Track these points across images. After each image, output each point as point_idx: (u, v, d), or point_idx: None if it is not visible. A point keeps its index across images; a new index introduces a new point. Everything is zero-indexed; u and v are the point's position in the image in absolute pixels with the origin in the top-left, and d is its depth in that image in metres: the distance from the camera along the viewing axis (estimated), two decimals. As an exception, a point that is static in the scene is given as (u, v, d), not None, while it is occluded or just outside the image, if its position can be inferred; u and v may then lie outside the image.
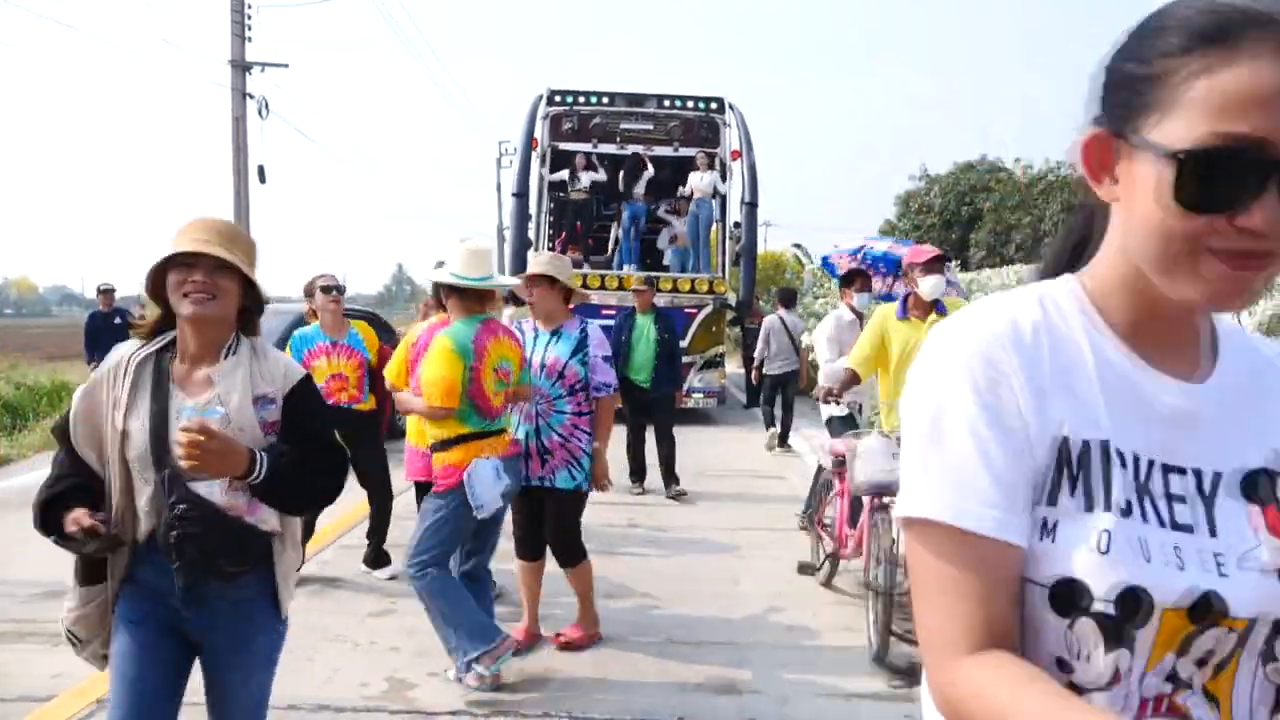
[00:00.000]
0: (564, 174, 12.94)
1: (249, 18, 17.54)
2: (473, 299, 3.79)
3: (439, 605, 3.65)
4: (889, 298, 7.09)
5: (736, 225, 12.99)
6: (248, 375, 2.09)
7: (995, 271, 15.24)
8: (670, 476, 7.66)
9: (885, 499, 4.24)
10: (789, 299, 11.16)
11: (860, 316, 6.00)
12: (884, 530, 4.19)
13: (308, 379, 2.22)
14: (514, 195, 12.68)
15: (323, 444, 2.21)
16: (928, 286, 4.55)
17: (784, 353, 10.52)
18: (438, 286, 3.98)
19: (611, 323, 11.50)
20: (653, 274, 11.69)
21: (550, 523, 4.16)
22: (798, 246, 23.77)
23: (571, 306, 4.27)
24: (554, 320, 4.18)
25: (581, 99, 13.05)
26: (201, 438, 1.86)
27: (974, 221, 22.82)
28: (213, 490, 2.02)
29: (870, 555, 4.26)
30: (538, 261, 4.21)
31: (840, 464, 4.83)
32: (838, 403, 4.86)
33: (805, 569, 5.22)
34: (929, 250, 4.68)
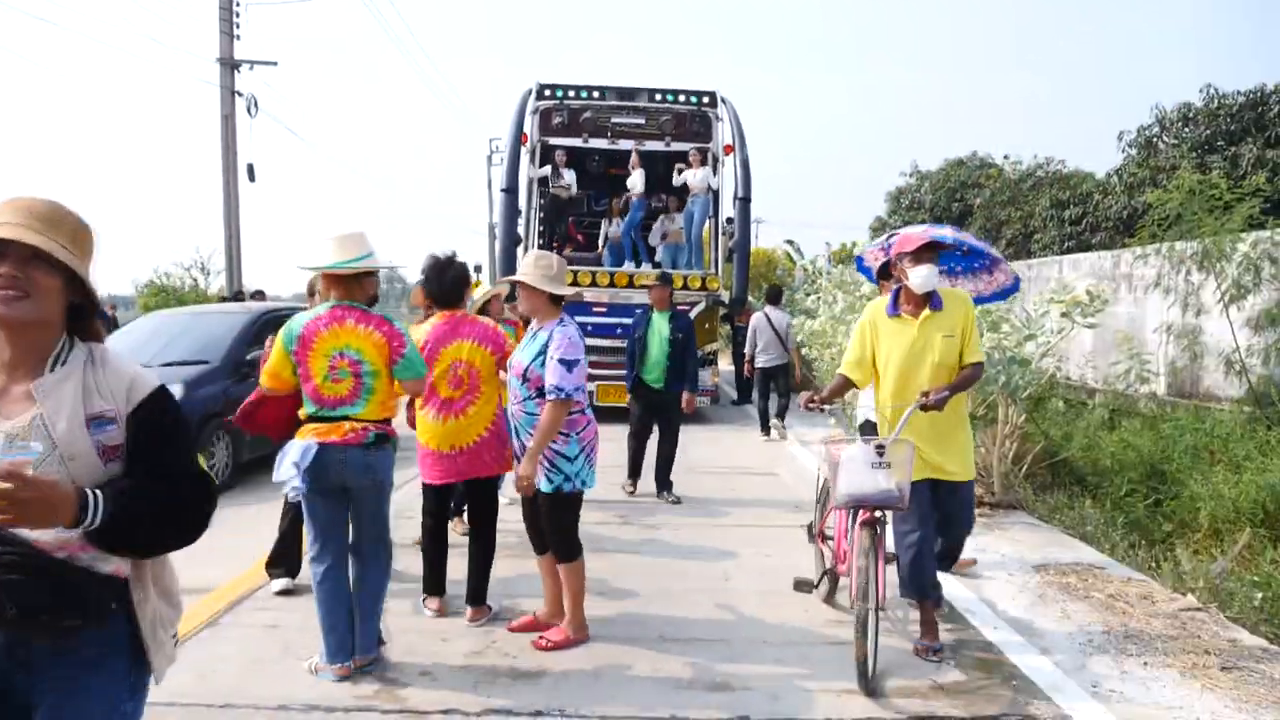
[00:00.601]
0: (546, 170, 12.76)
1: (237, 15, 17.47)
2: (342, 285, 3.85)
3: (316, 599, 3.84)
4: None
5: (729, 221, 12.86)
6: (79, 390, 1.71)
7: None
8: (665, 480, 7.43)
9: (878, 512, 3.95)
10: (775, 296, 11.46)
11: None
12: (871, 546, 3.86)
13: (161, 392, 1.80)
14: (503, 191, 12.43)
15: (179, 472, 1.78)
16: (919, 279, 4.03)
17: (771, 348, 11.00)
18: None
19: (603, 320, 11.66)
20: (668, 271, 11.59)
21: (543, 521, 4.22)
22: (790, 243, 23.86)
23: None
24: (541, 321, 4.15)
25: (571, 93, 12.84)
26: (10, 485, 1.49)
27: (964, 217, 22.84)
28: None
29: (856, 574, 3.85)
30: (520, 267, 4.20)
31: None
32: (822, 410, 4.21)
33: (801, 586, 4.59)
34: (919, 237, 4.13)
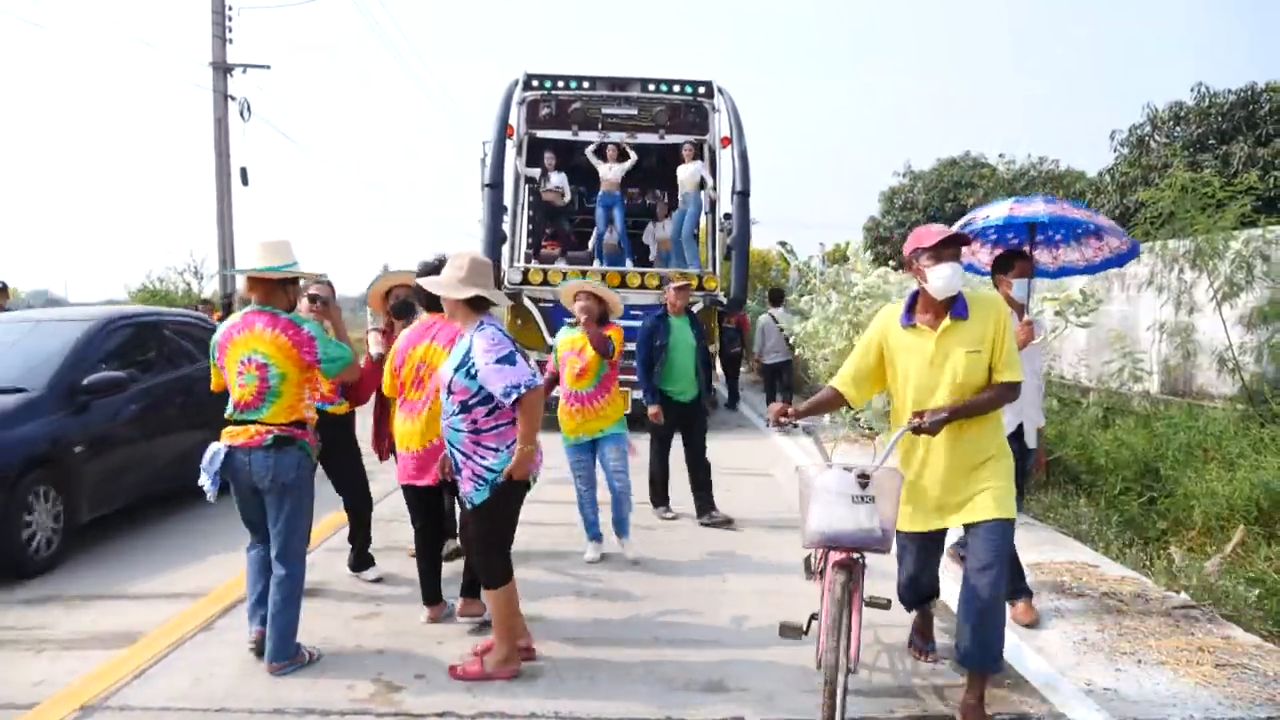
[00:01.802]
0: (536, 171, 12.28)
1: (229, 19, 17.43)
2: (262, 289, 3.93)
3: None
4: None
5: (727, 217, 12.37)
6: None
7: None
8: (709, 502, 6.76)
9: (856, 554, 3.27)
10: (778, 298, 11.65)
11: (1021, 310, 4.49)
12: (843, 596, 3.15)
13: None
14: (487, 186, 11.80)
15: None
16: (940, 280, 3.23)
17: (778, 347, 11.13)
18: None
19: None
20: (656, 270, 11.25)
21: (471, 535, 3.97)
22: (782, 244, 23.88)
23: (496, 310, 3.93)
24: (461, 327, 3.84)
25: (560, 83, 12.26)
26: None
27: (958, 218, 22.88)
28: None
29: (825, 632, 3.15)
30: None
31: None
32: (794, 424, 3.42)
33: (788, 631, 3.50)
34: (938, 230, 3.33)
